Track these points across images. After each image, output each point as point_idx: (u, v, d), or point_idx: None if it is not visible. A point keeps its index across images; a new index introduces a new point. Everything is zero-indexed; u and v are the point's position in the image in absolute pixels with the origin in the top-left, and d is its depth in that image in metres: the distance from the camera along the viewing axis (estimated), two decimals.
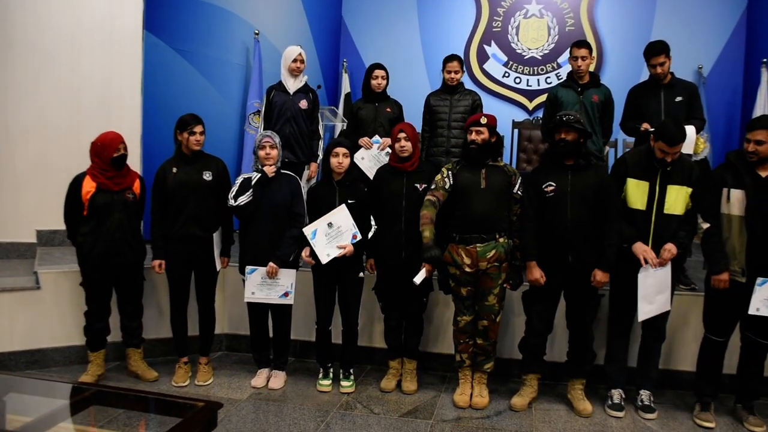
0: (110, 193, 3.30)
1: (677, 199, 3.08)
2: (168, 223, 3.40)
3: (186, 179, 3.38)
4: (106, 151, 3.27)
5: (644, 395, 3.28)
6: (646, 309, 3.11)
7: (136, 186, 3.42)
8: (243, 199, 3.30)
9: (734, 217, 3.01)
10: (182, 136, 3.41)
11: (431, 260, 3.05)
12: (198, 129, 3.38)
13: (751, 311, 2.98)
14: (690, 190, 3.09)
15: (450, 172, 3.23)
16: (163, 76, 4.89)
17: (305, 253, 3.35)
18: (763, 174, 2.99)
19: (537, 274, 3.17)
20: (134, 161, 4.51)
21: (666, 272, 3.09)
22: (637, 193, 3.13)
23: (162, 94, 4.86)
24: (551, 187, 3.14)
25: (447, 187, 3.20)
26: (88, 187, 3.27)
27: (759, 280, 2.94)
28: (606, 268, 3.11)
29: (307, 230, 3.31)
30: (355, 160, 3.77)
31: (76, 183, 3.30)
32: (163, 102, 4.82)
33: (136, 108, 4.71)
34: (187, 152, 3.42)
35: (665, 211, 3.08)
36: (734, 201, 3.00)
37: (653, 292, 3.10)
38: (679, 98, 3.73)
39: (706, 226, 3.06)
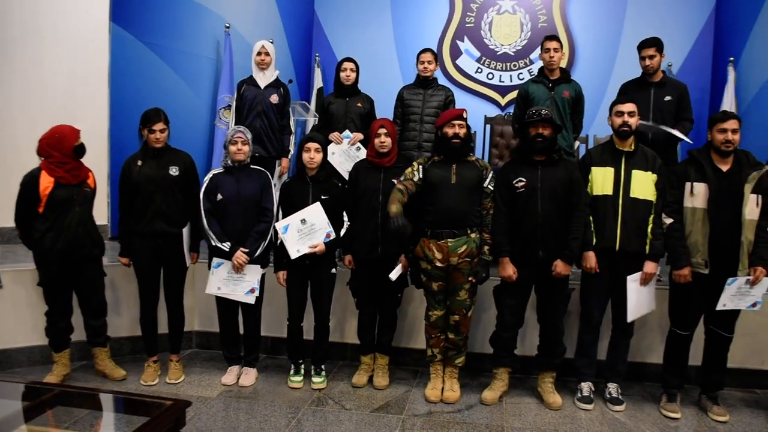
0: (69, 187, 3.22)
1: (643, 183, 3.14)
2: (134, 219, 3.34)
3: (152, 174, 3.31)
4: (67, 141, 3.19)
5: (612, 388, 3.34)
6: (635, 313, 3.19)
7: (91, 179, 3.35)
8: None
9: (698, 210, 3.08)
10: (144, 132, 3.35)
11: (398, 230, 2.97)
12: (157, 127, 3.30)
13: (719, 308, 3.05)
14: (655, 177, 3.16)
15: (421, 167, 3.24)
16: (131, 70, 4.79)
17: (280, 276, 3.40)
18: (724, 168, 3.07)
19: (510, 270, 3.19)
20: (102, 156, 4.44)
21: (650, 285, 3.20)
22: (602, 179, 3.18)
23: (130, 88, 4.76)
24: (521, 183, 3.16)
25: (416, 179, 3.21)
26: (46, 182, 3.17)
27: (729, 279, 3.01)
28: (569, 260, 3.15)
29: (280, 225, 3.29)
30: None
31: (32, 180, 3.18)
32: (132, 96, 4.72)
33: (103, 102, 4.61)
34: (152, 147, 3.36)
35: (632, 195, 3.13)
36: (698, 194, 3.07)
37: (641, 297, 3.18)
38: (668, 97, 3.79)
39: (669, 221, 3.12)
